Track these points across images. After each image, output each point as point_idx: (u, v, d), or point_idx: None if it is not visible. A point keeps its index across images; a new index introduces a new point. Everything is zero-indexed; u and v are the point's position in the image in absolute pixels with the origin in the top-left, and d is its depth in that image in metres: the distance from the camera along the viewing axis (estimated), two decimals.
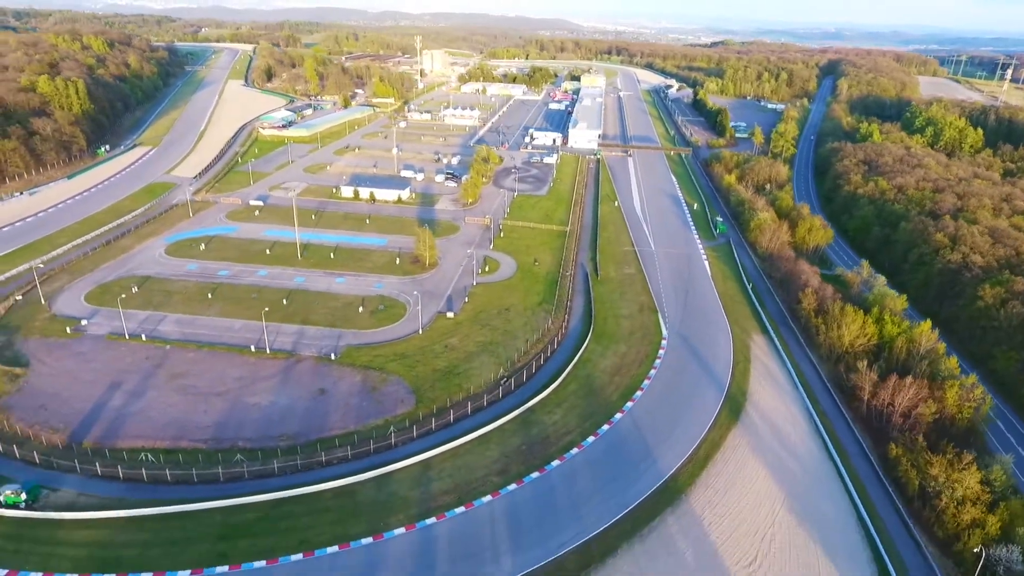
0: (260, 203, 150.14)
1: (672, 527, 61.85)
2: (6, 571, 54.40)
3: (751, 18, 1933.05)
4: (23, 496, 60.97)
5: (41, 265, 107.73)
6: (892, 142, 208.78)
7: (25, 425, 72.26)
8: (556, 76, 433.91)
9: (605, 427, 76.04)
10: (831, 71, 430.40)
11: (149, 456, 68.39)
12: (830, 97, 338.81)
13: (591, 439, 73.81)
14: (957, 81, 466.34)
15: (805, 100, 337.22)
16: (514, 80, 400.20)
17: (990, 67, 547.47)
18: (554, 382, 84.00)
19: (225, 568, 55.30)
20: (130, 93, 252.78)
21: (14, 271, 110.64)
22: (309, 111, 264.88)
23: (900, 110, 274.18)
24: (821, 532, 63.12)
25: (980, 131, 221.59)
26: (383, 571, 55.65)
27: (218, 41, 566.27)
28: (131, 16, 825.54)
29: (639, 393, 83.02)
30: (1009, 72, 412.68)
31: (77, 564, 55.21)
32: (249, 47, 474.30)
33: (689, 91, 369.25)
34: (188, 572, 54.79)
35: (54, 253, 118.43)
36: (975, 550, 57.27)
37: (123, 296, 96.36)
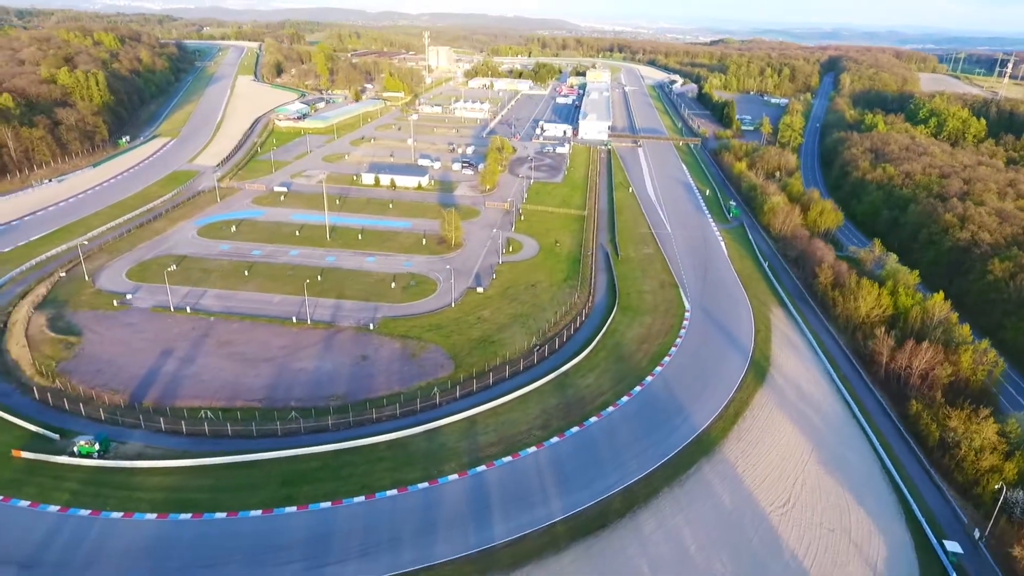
0: (284, 189, 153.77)
1: (709, 474, 65.66)
2: (89, 511, 57.95)
3: (748, 19, 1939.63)
4: (96, 446, 64.54)
5: (86, 243, 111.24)
6: (897, 132, 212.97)
7: (87, 387, 75.79)
8: (561, 72, 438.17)
9: (637, 388, 79.78)
10: (832, 67, 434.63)
11: (208, 413, 71.96)
12: (833, 91, 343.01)
13: (625, 399, 77.60)
14: (956, 77, 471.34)
15: (808, 95, 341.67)
16: (520, 76, 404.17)
17: (987, 64, 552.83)
18: (585, 349, 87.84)
19: (293, 508, 58.93)
20: (144, 87, 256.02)
21: (54, 251, 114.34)
22: (322, 104, 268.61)
23: (902, 104, 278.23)
24: (849, 479, 66.99)
25: (983, 122, 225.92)
26: (441, 512, 59.35)
27: (223, 39, 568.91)
28: (132, 15, 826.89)
29: (667, 359, 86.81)
30: (1009, 67, 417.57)
31: (155, 506, 58.89)
32: (254, 44, 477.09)
33: (693, 86, 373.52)
34: (259, 512, 58.48)
35: (90, 235, 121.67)
36: (996, 487, 61.19)
37: (169, 269, 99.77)
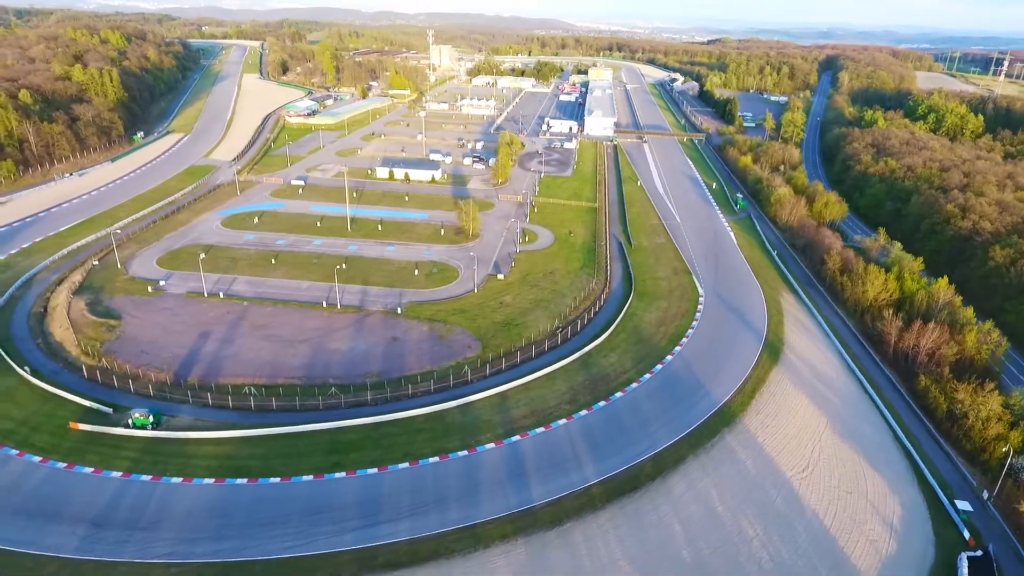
0: (301, 182, 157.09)
1: (731, 442, 69.40)
2: (150, 477, 61.28)
3: (744, 19, 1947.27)
4: (150, 419, 67.82)
5: (119, 231, 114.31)
6: (896, 128, 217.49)
7: (132, 366, 79.00)
8: (562, 70, 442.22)
9: (658, 367, 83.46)
10: (830, 66, 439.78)
11: (252, 389, 75.26)
12: (831, 89, 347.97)
13: (647, 376, 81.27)
14: (953, 76, 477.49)
15: (807, 92, 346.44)
16: (522, 74, 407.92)
17: (982, 63, 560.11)
18: (606, 331, 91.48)
19: (342, 474, 62.43)
20: (154, 84, 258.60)
21: (83, 241, 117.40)
22: (330, 101, 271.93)
23: (900, 101, 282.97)
24: (863, 447, 70.86)
25: (980, 117, 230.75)
26: (482, 476, 62.90)
27: (224, 38, 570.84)
28: (131, 15, 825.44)
29: (685, 340, 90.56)
30: (1005, 66, 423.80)
31: (211, 471, 62.23)
32: (256, 43, 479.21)
33: (694, 84, 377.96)
34: (311, 477, 61.97)
35: (117, 225, 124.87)
36: (1004, 449, 65.14)
37: (201, 256, 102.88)
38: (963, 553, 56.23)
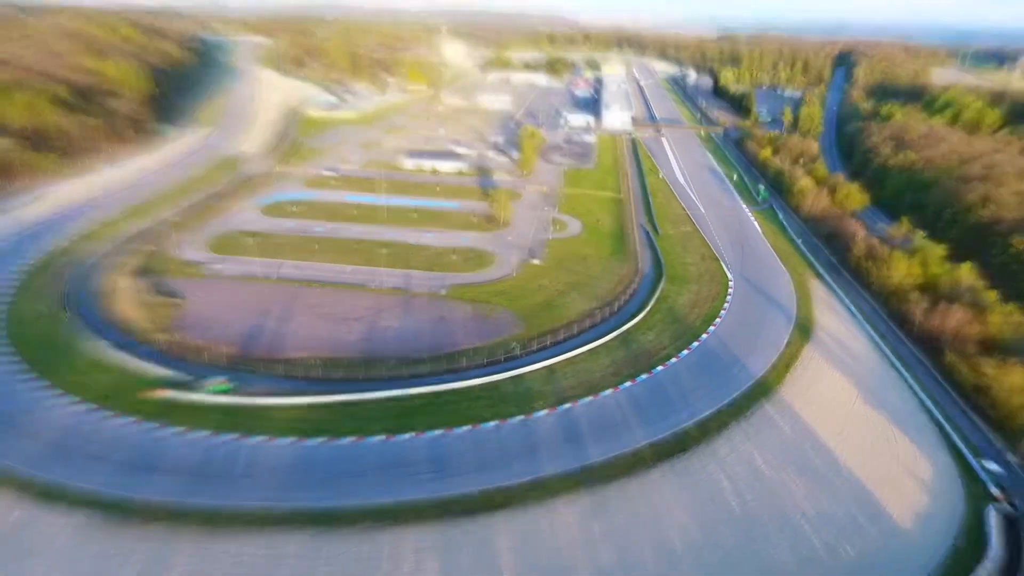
0: (332, 173, 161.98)
1: (770, 411, 73.92)
2: (235, 436, 66.29)
3: (750, 15, 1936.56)
4: (229, 385, 72.83)
5: (174, 217, 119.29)
6: (914, 122, 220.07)
7: (201, 341, 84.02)
8: (575, 66, 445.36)
9: (695, 344, 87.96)
10: (843, 61, 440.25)
11: (316, 361, 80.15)
12: (847, 83, 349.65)
13: (685, 352, 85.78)
14: (967, 71, 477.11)
15: (822, 87, 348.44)
16: (535, 70, 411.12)
17: (996, 59, 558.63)
18: (642, 312, 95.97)
19: (412, 434, 67.33)
20: (177, 78, 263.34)
21: (133, 227, 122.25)
22: (349, 96, 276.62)
23: (917, 95, 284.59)
24: (893, 415, 75.13)
25: (998, 112, 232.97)
26: (540, 438, 67.66)
27: (233, 34, 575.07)
28: (137, 11, 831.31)
29: (718, 320, 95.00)
30: (1021, 61, 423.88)
31: (290, 431, 67.19)
32: (267, 39, 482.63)
33: (708, 79, 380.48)
34: (383, 436, 66.92)
35: (164, 213, 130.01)
36: None
37: (250, 242, 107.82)
38: (991, 506, 60.58)
